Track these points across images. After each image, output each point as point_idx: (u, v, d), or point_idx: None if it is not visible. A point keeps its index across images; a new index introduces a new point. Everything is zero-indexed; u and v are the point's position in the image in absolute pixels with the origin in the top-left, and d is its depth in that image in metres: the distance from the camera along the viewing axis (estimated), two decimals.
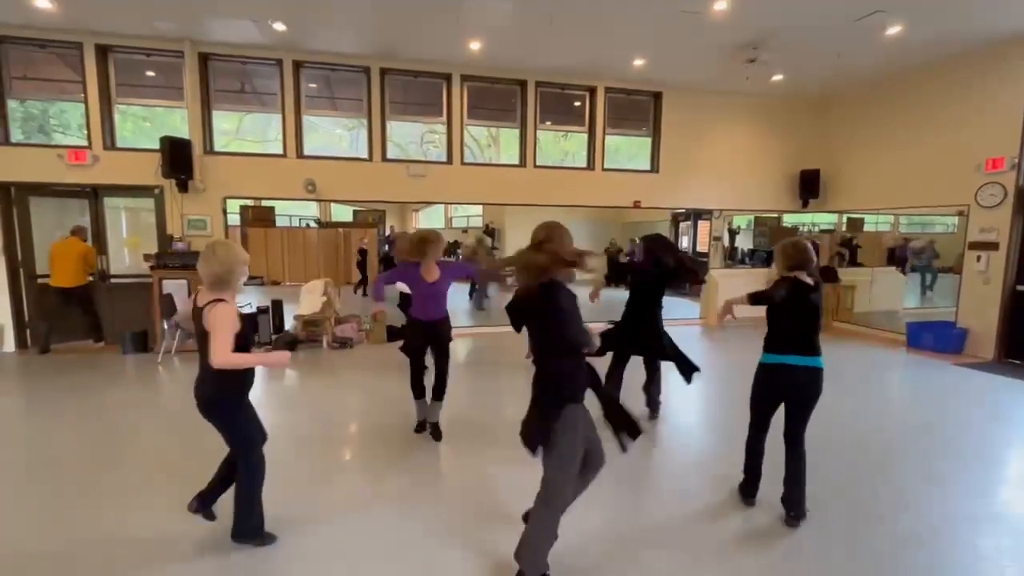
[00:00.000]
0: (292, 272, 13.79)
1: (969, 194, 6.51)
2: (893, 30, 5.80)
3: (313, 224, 15.75)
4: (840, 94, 8.24)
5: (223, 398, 2.31)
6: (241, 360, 2.17)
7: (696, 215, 12.31)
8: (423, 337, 3.64)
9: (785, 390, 2.67)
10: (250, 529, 2.43)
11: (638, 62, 7.01)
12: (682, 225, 13.43)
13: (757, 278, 8.72)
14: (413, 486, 3.10)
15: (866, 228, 10.06)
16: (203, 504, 2.47)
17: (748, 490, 2.89)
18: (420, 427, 3.83)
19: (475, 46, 6.48)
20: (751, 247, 12.36)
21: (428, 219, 17.77)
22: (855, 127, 8.14)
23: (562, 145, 9.50)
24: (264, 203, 13.33)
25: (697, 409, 4.71)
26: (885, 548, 2.51)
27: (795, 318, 2.61)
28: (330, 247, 14.05)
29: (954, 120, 6.74)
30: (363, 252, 11.85)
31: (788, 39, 6.08)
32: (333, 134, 8.77)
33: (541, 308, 2.04)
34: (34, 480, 3.18)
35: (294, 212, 15.62)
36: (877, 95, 7.74)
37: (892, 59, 6.76)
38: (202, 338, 2.20)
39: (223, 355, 2.10)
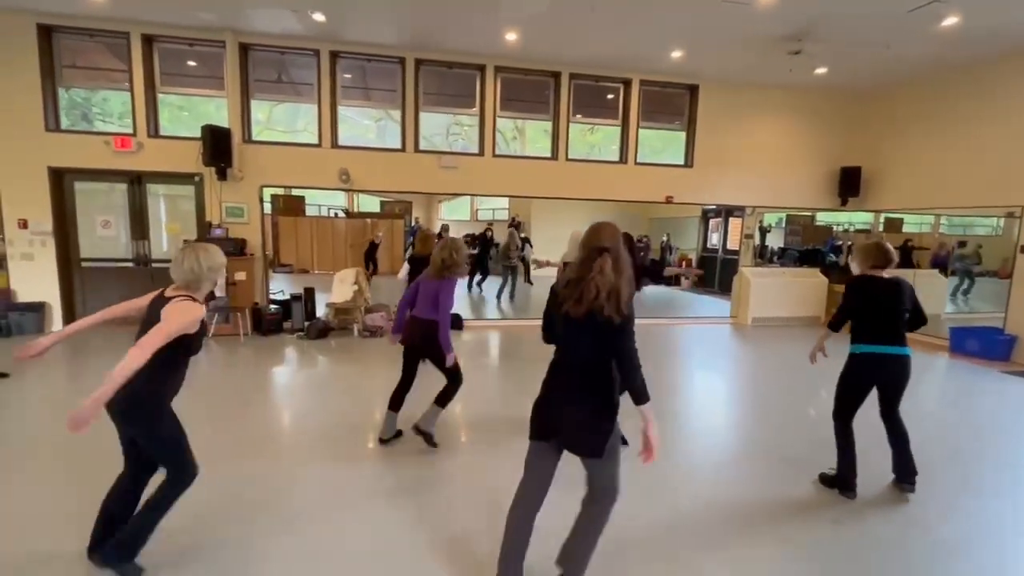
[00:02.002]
0: (320, 260, 14.04)
1: (1022, 195, 6.23)
2: (949, 21, 5.55)
3: (341, 214, 15.96)
4: (887, 88, 7.93)
5: (153, 396, 2.00)
6: (131, 369, 1.71)
7: (727, 212, 12.08)
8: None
9: (879, 377, 2.83)
10: (132, 552, 2.05)
11: (676, 54, 6.87)
12: (712, 222, 13.19)
13: (790, 278, 8.53)
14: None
15: (906, 229, 9.73)
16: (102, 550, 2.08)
17: (852, 482, 2.91)
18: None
19: (511, 37, 6.43)
20: (782, 246, 12.07)
21: (453, 211, 17.82)
22: (902, 123, 7.83)
23: (588, 139, 9.38)
24: (294, 192, 13.56)
25: (740, 405, 4.64)
26: (925, 556, 2.45)
27: (881, 311, 2.77)
28: (358, 236, 14.23)
29: (1009, 117, 6.43)
30: (375, 246, 11.82)
31: (835, 30, 5.88)
32: (361, 124, 8.81)
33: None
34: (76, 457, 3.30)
35: (323, 202, 15.86)
36: (927, 89, 7.44)
37: (945, 52, 6.46)
38: (147, 328, 1.92)
39: (145, 349, 1.76)
